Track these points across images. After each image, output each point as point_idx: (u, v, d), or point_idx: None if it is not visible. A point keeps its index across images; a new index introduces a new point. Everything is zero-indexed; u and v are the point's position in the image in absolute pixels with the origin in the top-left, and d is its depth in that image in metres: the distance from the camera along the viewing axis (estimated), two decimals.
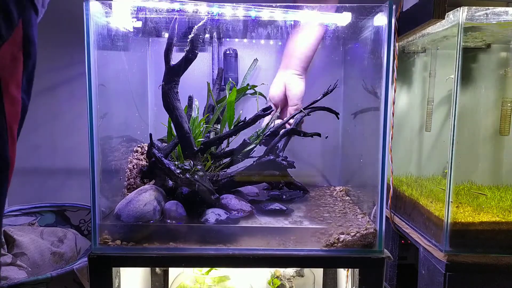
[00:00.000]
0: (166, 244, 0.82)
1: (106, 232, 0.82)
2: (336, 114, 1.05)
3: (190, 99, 1.03)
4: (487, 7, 0.81)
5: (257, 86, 1.15)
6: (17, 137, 0.60)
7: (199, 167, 0.88)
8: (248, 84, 1.14)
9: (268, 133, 1.03)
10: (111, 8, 0.85)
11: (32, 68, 0.59)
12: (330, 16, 0.92)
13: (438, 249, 0.85)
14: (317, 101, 1.05)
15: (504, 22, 0.84)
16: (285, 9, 0.88)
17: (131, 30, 1.02)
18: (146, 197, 0.86)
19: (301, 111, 1.05)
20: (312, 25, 1.04)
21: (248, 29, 1.09)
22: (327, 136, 1.15)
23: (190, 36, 0.84)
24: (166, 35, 1.09)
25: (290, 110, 1.10)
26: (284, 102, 1.12)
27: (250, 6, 0.87)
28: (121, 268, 0.86)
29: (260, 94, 1.17)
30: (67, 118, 1.32)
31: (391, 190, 1.02)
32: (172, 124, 0.94)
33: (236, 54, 1.19)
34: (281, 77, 1.10)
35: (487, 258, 0.83)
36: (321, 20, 0.98)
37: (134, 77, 1.10)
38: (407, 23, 0.90)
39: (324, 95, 1.04)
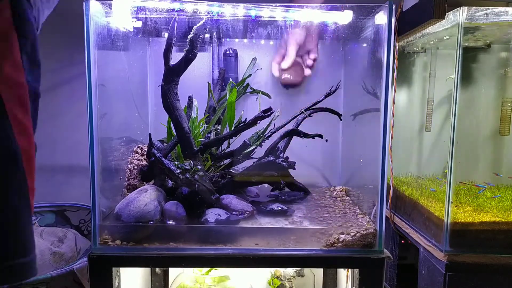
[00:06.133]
0: (166, 244, 0.82)
1: (106, 232, 0.82)
2: (339, 115, 1.04)
3: (190, 99, 1.03)
4: (487, 7, 0.81)
5: (259, 91, 1.15)
6: (35, 126, 0.57)
7: (199, 167, 0.88)
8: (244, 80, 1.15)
9: (269, 134, 1.03)
10: (111, 8, 0.85)
11: (32, 49, 0.56)
12: (331, 16, 0.92)
13: (438, 249, 0.85)
14: (319, 102, 1.05)
15: (504, 22, 0.84)
16: (286, 8, 0.88)
17: (131, 30, 1.02)
18: (146, 197, 0.86)
19: (302, 112, 1.05)
20: None
21: (248, 29, 1.09)
22: (327, 140, 1.15)
23: (189, 36, 0.84)
24: (166, 35, 1.09)
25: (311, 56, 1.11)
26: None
27: (250, 6, 0.87)
28: (121, 268, 0.86)
29: (263, 93, 1.17)
30: (67, 117, 1.32)
31: (391, 190, 1.02)
32: (171, 124, 0.94)
33: (236, 54, 1.18)
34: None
35: (487, 258, 0.83)
36: (321, 20, 0.98)
37: (134, 77, 1.10)
38: (407, 23, 0.90)
39: (326, 96, 1.04)
